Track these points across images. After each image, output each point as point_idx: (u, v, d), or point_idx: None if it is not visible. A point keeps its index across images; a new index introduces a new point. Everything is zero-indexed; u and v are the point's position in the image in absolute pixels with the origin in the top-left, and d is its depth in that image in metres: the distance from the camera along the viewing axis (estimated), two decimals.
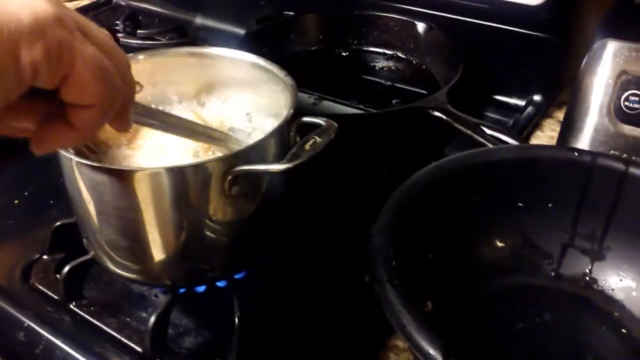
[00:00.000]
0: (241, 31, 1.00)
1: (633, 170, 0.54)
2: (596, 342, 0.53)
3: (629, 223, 0.55)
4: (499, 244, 0.58)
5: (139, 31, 1.02)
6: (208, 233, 0.50)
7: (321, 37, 0.91)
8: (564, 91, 0.83)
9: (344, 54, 0.90)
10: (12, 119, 0.37)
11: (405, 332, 0.42)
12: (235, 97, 0.61)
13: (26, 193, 0.72)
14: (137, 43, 0.99)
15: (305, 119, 0.51)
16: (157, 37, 1.01)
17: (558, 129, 0.77)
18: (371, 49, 0.90)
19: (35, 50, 0.33)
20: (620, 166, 0.54)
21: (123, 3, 1.17)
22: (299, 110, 0.52)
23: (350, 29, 0.90)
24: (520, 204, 0.58)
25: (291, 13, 0.92)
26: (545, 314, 0.55)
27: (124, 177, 0.46)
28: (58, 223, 0.61)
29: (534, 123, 0.80)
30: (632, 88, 0.63)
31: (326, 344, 0.52)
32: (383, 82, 0.84)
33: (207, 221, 0.49)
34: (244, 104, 0.60)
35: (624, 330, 0.53)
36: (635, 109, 0.63)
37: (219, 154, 0.52)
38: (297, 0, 0.94)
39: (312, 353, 0.52)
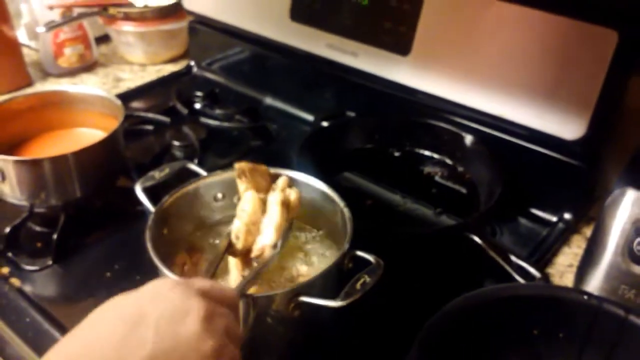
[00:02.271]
0: (306, 116, 1.13)
1: (632, 317, 0.63)
2: None
3: (624, 359, 0.64)
4: None
5: (217, 111, 1.15)
6: (271, 339, 0.62)
7: (377, 136, 1.02)
8: (594, 208, 0.93)
9: (397, 154, 1.01)
10: None
11: None
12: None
13: (117, 267, 0.82)
14: (215, 124, 1.11)
15: (359, 253, 0.63)
16: (236, 117, 1.13)
17: (583, 245, 0.86)
18: (422, 152, 1.01)
19: None
20: (622, 313, 0.64)
21: (202, 74, 1.31)
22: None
23: (405, 132, 1.01)
24: (535, 332, 0.68)
25: (352, 114, 1.04)
26: None
27: None
28: None
29: (562, 238, 0.90)
30: None
31: None
32: (430, 185, 0.95)
33: (272, 331, 0.61)
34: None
35: None
36: None
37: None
38: (360, 102, 1.06)
39: None
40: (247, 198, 0.69)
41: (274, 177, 0.73)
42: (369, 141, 1.02)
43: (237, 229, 0.67)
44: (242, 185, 0.71)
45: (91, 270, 0.83)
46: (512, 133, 0.92)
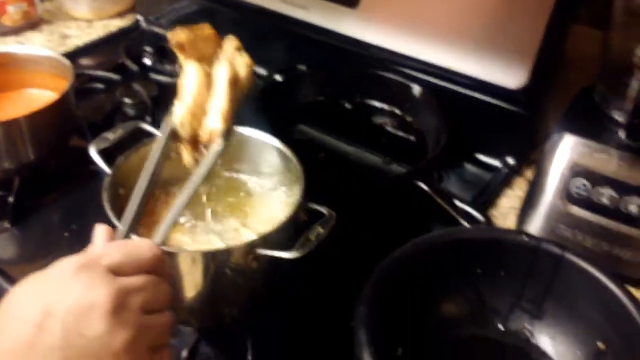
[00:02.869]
0: (259, 70, 1.14)
1: (568, 255, 0.68)
2: None
3: (562, 294, 0.69)
4: (460, 302, 0.73)
5: (168, 67, 1.14)
6: (231, 291, 0.65)
7: (328, 89, 1.04)
8: (536, 152, 0.97)
9: (348, 106, 1.03)
10: None
11: None
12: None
13: (74, 227, 0.83)
14: (166, 80, 1.11)
15: (312, 206, 0.66)
16: None
17: (525, 188, 0.91)
18: (372, 103, 1.03)
19: None
20: (558, 251, 0.69)
21: (151, 29, 1.29)
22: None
23: (356, 84, 1.03)
24: (479, 271, 0.72)
25: (304, 68, 1.05)
26: None
27: (171, 255, 0.61)
28: None
29: (505, 182, 0.95)
30: (581, 177, 0.77)
31: None
32: (381, 135, 0.99)
33: (232, 283, 0.64)
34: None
35: None
36: (582, 195, 0.77)
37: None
38: (311, 56, 1.07)
39: None
40: (190, 73, 0.63)
41: (218, 37, 0.67)
42: (321, 94, 1.04)
43: (181, 115, 0.62)
44: (181, 56, 0.64)
45: (49, 231, 0.85)
46: (458, 83, 0.95)
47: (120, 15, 1.35)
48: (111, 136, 0.74)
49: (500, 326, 0.72)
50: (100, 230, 0.54)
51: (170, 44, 0.62)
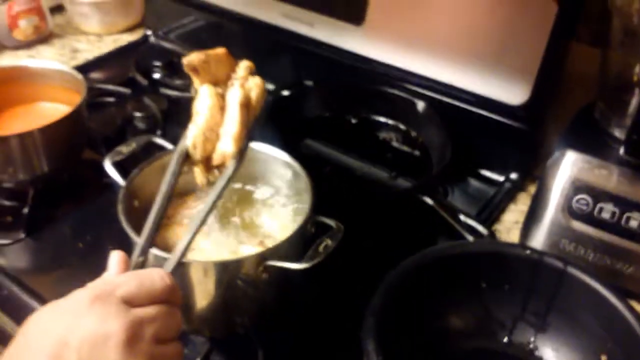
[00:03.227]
0: (269, 86, 1.16)
1: (570, 269, 0.70)
2: None
3: (565, 307, 0.71)
4: (465, 315, 0.74)
5: (177, 81, 1.17)
6: (242, 301, 0.67)
7: (334, 104, 1.06)
8: (538, 167, 0.99)
9: (354, 121, 1.05)
10: None
11: None
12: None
13: (88, 237, 0.85)
14: (175, 94, 1.13)
15: (320, 218, 0.68)
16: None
17: (528, 202, 0.92)
18: (377, 118, 1.05)
19: None
20: (560, 265, 0.70)
21: (159, 44, 1.31)
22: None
23: (361, 99, 1.05)
24: (483, 284, 0.74)
25: (310, 83, 1.08)
26: None
27: (183, 265, 0.62)
28: None
29: (509, 197, 0.96)
30: (582, 193, 0.79)
31: None
32: (385, 150, 1.01)
33: (243, 293, 0.66)
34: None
35: None
36: (583, 210, 0.79)
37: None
38: (316, 71, 1.09)
39: None
40: (203, 95, 0.64)
41: (233, 60, 0.68)
42: (327, 109, 1.06)
43: (193, 136, 0.63)
44: (196, 80, 0.65)
45: (63, 242, 0.86)
46: (461, 99, 0.97)
47: (130, 29, 1.37)
48: (125, 149, 0.76)
49: (505, 339, 0.74)
50: (114, 257, 0.56)
51: (184, 67, 0.64)
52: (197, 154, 0.63)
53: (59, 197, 0.92)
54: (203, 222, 0.59)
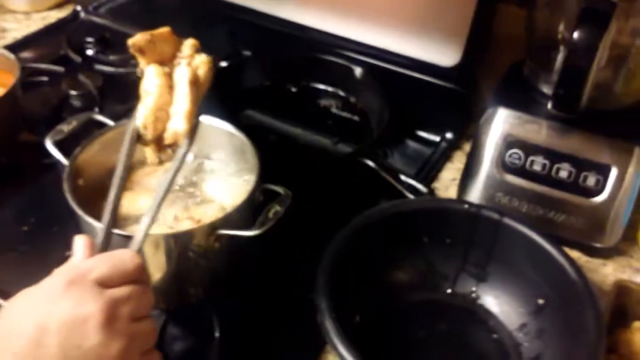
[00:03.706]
0: None
1: (506, 219, 0.74)
2: (478, 345, 0.74)
3: (503, 256, 0.75)
4: (410, 269, 0.78)
5: (111, 57, 1.15)
6: (195, 272, 0.68)
7: (273, 74, 1.07)
8: (472, 126, 1.03)
9: (293, 89, 1.07)
10: None
11: (330, 341, 0.61)
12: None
13: (33, 220, 0.84)
14: (111, 70, 1.12)
15: (268, 186, 0.69)
16: (131, 62, 1.13)
17: (464, 160, 0.96)
18: (317, 86, 1.07)
19: None
20: (497, 216, 0.74)
21: (90, 19, 1.28)
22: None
23: (299, 68, 1.06)
24: (425, 239, 0.77)
25: (248, 53, 1.08)
26: (442, 324, 0.75)
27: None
28: (68, 253, 0.75)
29: (445, 155, 1.00)
30: (514, 147, 0.83)
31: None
32: (326, 117, 1.03)
33: (195, 264, 0.67)
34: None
35: (495, 336, 0.74)
36: (515, 163, 0.83)
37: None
38: (254, 41, 1.09)
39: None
40: (150, 75, 0.64)
41: (177, 39, 0.68)
42: (267, 78, 1.07)
43: (144, 117, 0.63)
44: (142, 60, 0.65)
45: (6, 226, 0.85)
46: (396, 63, 1.00)
47: (58, 6, 1.33)
48: (65, 128, 0.75)
49: (449, 290, 0.78)
50: (79, 241, 0.56)
51: (130, 48, 0.63)
52: (149, 134, 0.63)
53: None
54: (161, 202, 0.60)
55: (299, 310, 0.72)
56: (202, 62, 0.67)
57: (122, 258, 0.54)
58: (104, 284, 0.51)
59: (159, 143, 0.64)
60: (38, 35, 1.23)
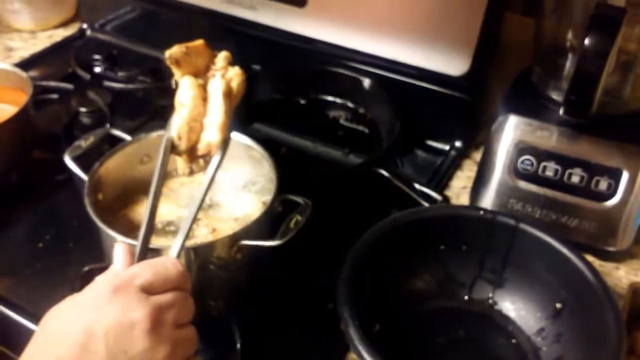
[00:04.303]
0: None
1: (522, 225, 0.75)
2: (496, 350, 0.74)
3: (519, 262, 0.76)
4: (427, 277, 0.78)
5: (120, 73, 1.16)
6: (216, 284, 0.69)
7: (282, 87, 1.08)
8: (481, 134, 1.04)
9: (303, 102, 1.08)
10: None
11: (354, 348, 0.62)
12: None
13: (47, 237, 0.84)
14: (120, 87, 1.13)
15: (288, 196, 0.70)
16: (139, 78, 1.15)
17: (474, 168, 0.97)
18: (326, 98, 1.08)
19: None
20: (513, 222, 0.75)
21: (96, 37, 1.30)
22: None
23: (308, 80, 1.07)
24: (442, 247, 0.78)
25: (257, 67, 1.09)
26: (460, 330, 0.76)
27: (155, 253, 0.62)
28: (86, 268, 0.75)
29: (455, 164, 1.01)
30: (526, 154, 0.84)
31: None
32: (336, 128, 1.03)
33: (216, 276, 0.67)
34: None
35: (514, 341, 0.74)
36: (528, 170, 0.84)
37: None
38: (263, 55, 1.10)
39: None
40: (185, 87, 0.65)
41: (211, 51, 0.70)
42: (276, 92, 1.08)
43: (178, 127, 0.64)
44: (177, 72, 0.66)
45: (22, 244, 0.85)
46: (405, 74, 1.01)
47: (64, 24, 1.34)
48: (83, 143, 0.76)
49: (466, 297, 0.78)
50: (119, 249, 0.57)
51: (166, 61, 0.65)
52: (183, 145, 0.64)
53: (11, 200, 0.90)
54: (198, 209, 0.60)
55: (319, 320, 0.73)
56: (235, 74, 0.69)
57: (165, 265, 0.55)
58: (148, 290, 0.52)
59: (191, 154, 0.65)
60: (45, 53, 1.25)
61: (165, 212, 0.74)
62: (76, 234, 0.84)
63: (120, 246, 0.57)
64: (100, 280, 0.53)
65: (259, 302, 0.75)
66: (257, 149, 0.76)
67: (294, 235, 0.67)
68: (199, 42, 0.68)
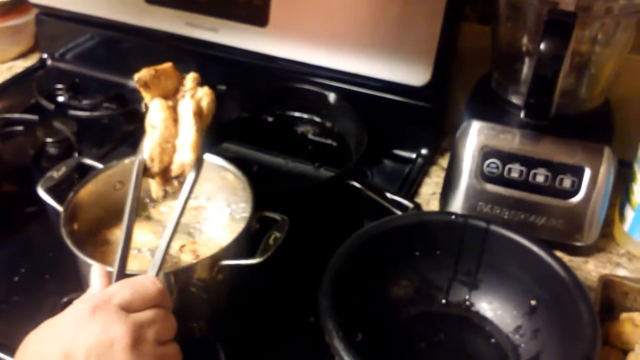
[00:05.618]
0: None
1: (492, 227, 0.77)
2: (476, 350, 0.76)
3: (492, 263, 0.77)
4: (404, 284, 0.80)
5: (84, 101, 1.15)
6: (197, 306, 0.69)
7: (249, 105, 1.09)
8: (445, 140, 1.07)
9: (270, 119, 1.09)
10: None
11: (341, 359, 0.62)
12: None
13: (22, 270, 0.83)
14: (85, 115, 1.12)
15: (265, 213, 0.71)
16: (104, 105, 1.15)
17: (441, 174, 1.00)
18: (292, 114, 1.09)
19: None
20: (484, 224, 0.77)
21: (57, 66, 1.29)
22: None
23: (274, 98, 1.08)
24: (417, 253, 0.80)
25: (223, 87, 1.10)
26: (440, 333, 0.77)
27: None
28: (65, 299, 0.75)
29: (423, 171, 1.03)
30: (491, 157, 0.86)
31: None
32: (305, 143, 1.05)
33: (197, 298, 0.68)
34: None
35: (493, 340, 0.76)
36: (494, 173, 0.86)
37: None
38: (227, 75, 1.11)
39: None
40: (155, 109, 0.66)
41: (179, 73, 0.71)
42: (243, 110, 1.08)
43: (150, 149, 0.64)
44: (146, 95, 0.67)
45: None
46: (368, 86, 1.03)
47: (23, 55, 1.33)
48: (55, 174, 0.76)
49: (443, 300, 0.80)
50: (96, 272, 0.57)
51: (135, 84, 0.65)
52: (155, 167, 0.64)
53: None
54: (176, 227, 0.61)
55: (301, 333, 0.74)
56: (205, 94, 0.69)
57: (143, 283, 0.55)
58: (127, 308, 0.52)
59: (164, 176, 0.65)
60: (6, 85, 1.24)
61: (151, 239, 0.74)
62: (52, 265, 0.83)
63: (97, 269, 0.57)
64: (78, 302, 0.53)
65: (241, 319, 0.75)
66: (230, 168, 0.77)
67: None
68: (167, 65, 0.69)
